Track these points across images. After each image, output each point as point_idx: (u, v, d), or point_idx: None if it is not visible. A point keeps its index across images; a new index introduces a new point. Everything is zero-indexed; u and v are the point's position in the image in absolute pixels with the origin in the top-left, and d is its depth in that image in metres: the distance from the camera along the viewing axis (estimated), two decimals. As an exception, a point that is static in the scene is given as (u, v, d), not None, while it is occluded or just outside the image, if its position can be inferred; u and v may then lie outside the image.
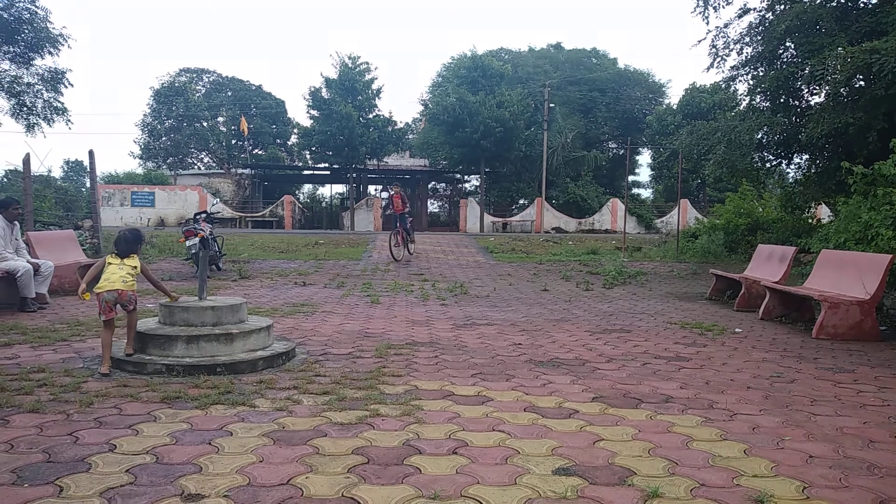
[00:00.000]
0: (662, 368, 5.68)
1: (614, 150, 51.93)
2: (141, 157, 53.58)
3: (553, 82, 43.93)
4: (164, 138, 53.31)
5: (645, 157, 51.88)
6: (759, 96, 16.18)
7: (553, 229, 40.47)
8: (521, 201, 45.74)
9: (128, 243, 5.49)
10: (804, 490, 3.02)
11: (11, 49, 18.58)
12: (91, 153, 14.53)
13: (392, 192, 18.35)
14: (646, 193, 53.49)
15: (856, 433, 3.91)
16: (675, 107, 44.18)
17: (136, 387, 4.58)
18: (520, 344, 6.74)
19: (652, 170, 48.46)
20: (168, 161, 53.03)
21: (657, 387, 4.99)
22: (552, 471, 3.19)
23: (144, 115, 53.59)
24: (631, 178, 49.62)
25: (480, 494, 2.89)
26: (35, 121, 19.35)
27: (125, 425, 3.74)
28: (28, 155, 12.26)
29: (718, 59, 16.33)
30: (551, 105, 41.52)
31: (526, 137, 41.86)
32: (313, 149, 44.31)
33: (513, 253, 21.39)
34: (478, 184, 46.32)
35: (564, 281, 13.93)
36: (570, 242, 25.54)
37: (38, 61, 19.04)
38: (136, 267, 5.42)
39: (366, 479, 3.05)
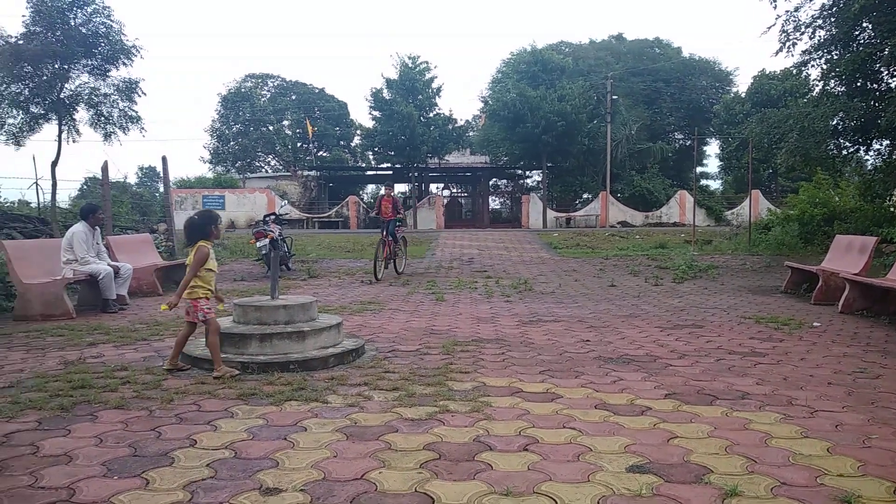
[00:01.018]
0: (737, 364, 5.52)
1: (681, 141, 50.72)
2: (211, 162, 55.54)
3: (615, 74, 43.21)
4: (232, 143, 55.14)
5: (713, 148, 50.58)
6: (833, 81, 15.56)
7: (618, 223, 39.82)
8: (585, 195, 45.17)
9: (192, 229, 5.10)
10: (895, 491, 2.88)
11: (89, 62, 19.43)
12: (164, 159, 15.09)
13: (382, 194, 15.00)
14: (715, 185, 51.99)
15: (949, 431, 3.71)
16: (743, 95, 42.93)
17: (213, 384, 4.73)
18: (588, 340, 6.66)
19: (720, 160, 47.11)
20: (237, 165, 54.77)
21: (732, 383, 4.85)
22: (626, 468, 3.14)
23: (213, 120, 55.64)
24: (699, 169, 48.28)
25: (553, 491, 2.87)
26: (111, 130, 20.14)
27: (204, 421, 3.87)
28: (106, 162, 12.80)
29: (789, 43, 15.76)
30: (614, 97, 40.85)
31: (588, 130, 41.32)
32: (376, 149, 44.89)
33: (577, 248, 21.14)
34: (540, 179, 46.01)
35: (632, 276, 13.70)
36: (637, 236, 25.07)
37: (113, 72, 19.84)
38: (187, 265, 5.04)
39: (438, 474, 3.07)
